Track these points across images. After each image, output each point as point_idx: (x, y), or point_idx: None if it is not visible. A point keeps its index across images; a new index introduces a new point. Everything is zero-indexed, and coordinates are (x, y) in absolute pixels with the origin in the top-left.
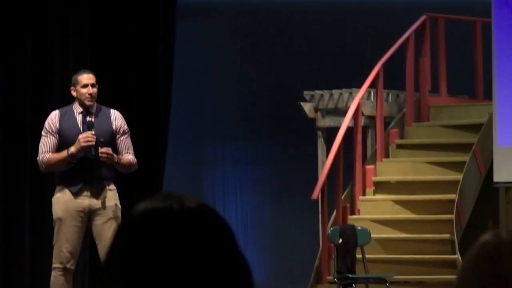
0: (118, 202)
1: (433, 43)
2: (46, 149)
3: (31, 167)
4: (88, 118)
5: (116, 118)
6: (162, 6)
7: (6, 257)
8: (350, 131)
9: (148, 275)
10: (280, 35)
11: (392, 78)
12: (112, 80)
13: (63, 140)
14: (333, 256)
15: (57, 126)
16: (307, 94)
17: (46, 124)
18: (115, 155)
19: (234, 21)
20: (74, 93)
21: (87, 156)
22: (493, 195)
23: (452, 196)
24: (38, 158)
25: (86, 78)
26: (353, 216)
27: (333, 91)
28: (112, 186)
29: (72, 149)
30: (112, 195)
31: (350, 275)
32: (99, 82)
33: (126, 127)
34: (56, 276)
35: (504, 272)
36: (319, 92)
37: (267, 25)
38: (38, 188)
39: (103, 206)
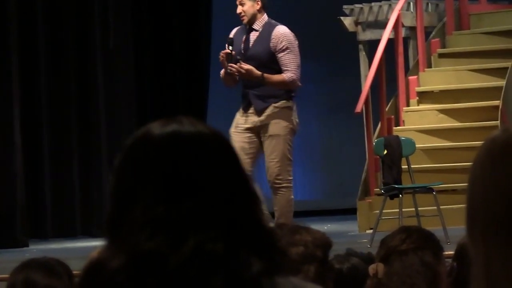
0: (285, 119)
1: None
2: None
3: (77, 116)
4: (230, 36)
5: (274, 37)
6: None
7: (56, 191)
8: (391, 43)
9: (154, 193)
10: None
11: None
12: (154, 33)
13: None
14: (380, 168)
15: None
16: (346, 8)
17: None
18: (255, 72)
19: None
20: None
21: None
22: None
23: (496, 102)
24: None
25: None
26: (398, 128)
27: (372, 3)
28: (281, 104)
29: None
30: (276, 113)
31: (396, 186)
32: (140, 38)
33: (283, 44)
34: None
35: None
36: (358, 5)
37: None
38: (85, 135)
39: (266, 123)
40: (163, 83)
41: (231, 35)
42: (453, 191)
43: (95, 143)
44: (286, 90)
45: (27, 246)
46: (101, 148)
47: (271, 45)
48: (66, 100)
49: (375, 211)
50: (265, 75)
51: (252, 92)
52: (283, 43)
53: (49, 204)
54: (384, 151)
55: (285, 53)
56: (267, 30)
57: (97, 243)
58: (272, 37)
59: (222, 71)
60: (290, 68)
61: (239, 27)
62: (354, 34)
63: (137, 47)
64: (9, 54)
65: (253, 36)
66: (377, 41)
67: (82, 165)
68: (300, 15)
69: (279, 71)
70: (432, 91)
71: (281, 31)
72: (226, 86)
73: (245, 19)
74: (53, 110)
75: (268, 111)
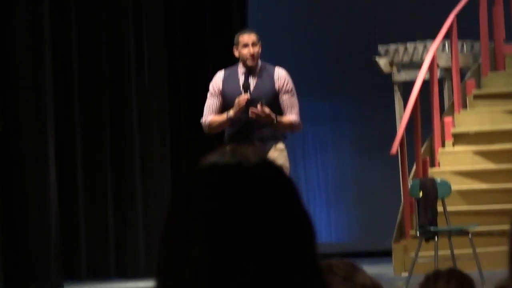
0: (286, 161)
1: None
2: (208, 111)
3: (112, 155)
4: (243, 80)
5: (279, 78)
6: None
7: (90, 226)
8: (426, 84)
9: (213, 231)
10: None
11: (466, 28)
12: (188, 70)
13: (226, 101)
14: (415, 210)
15: (220, 88)
16: (381, 48)
17: (210, 85)
18: (272, 115)
19: None
20: (236, 53)
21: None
22: None
23: None
24: (201, 120)
25: (247, 37)
26: (433, 169)
27: (408, 44)
28: (280, 145)
29: (231, 112)
30: (278, 155)
31: (432, 228)
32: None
33: (289, 86)
34: None
35: None
36: (393, 46)
37: None
38: (119, 160)
39: None
40: (196, 121)
41: (219, 80)
42: (489, 233)
43: (130, 183)
44: (282, 132)
45: (62, 287)
46: (135, 189)
47: (276, 86)
48: (100, 138)
49: (410, 254)
50: (278, 118)
51: (256, 134)
52: (289, 85)
53: (84, 245)
54: (420, 193)
55: (290, 95)
56: (266, 71)
57: (130, 285)
58: (277, 77)
59: (219, 117)
60: (294, 111)
61: (223, 71)
62: (389, 74)
63: (172, 84)
64: (44, 93)
65: (252, 79)
66: (412, 82)
67: (117, 205)
68: (335, 55)
69: (279, 112)
70: (468, 133)
71: (285, 73)
72: (212, 132)
73: (255, 62)
74: (87, 148)
75: (270, 154)
